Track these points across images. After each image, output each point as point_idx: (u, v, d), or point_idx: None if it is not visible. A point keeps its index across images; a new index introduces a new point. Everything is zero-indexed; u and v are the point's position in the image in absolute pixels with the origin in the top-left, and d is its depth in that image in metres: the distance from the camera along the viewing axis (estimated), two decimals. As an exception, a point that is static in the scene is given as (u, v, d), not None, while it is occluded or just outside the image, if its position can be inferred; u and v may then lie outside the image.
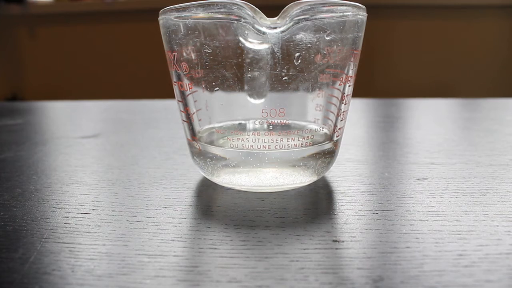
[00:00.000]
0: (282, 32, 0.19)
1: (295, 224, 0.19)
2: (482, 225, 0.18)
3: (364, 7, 0.21)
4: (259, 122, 0.21)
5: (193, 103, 0.22)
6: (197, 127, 0.23)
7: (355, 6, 0.20)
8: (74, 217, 0.20)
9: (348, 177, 0.24)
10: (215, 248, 0.17)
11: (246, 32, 0.19)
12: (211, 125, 0.23)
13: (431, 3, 1.28)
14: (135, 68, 1.38)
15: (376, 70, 1.33)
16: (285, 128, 0.21)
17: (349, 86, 0.22)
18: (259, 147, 0.20)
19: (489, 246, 0.16)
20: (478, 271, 0.15)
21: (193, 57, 0.20)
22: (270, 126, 0.21)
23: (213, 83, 0.21)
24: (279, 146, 0.20)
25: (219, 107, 0.22)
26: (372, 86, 1.30)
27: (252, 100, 0.21)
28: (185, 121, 0.23)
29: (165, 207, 0.21)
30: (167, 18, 0.20)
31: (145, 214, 0.20)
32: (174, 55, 0.21)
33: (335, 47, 0.20)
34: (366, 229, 0.18)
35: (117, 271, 0.15)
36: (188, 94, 0.22)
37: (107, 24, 1.37)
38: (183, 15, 0.20)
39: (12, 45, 1.43)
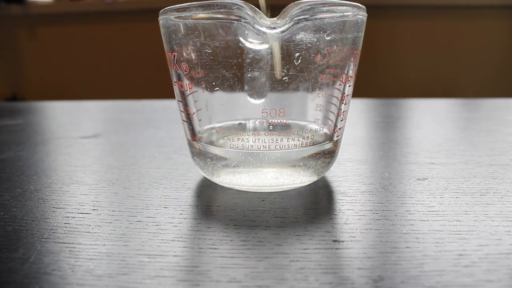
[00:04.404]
0: (282, 32, 0.19)
1: (295, 224, 0.19)
2: (482, 225, 0.18)
3: (364, 7, 0.21)
4: (259, 122, 0.21)
5: (193, 103, 0.22)
6: (197, 127, 0.23)
7: (355, 6, 0.20)
8: (74, 217, 0.20)
9: (348, 177, 0.24)
10: (215, 248, 0.17)
11: (246, 32, 0.19)
12: (211, 125, 0.23)
13: (431, 3, 1.28)
14: (135, 68, 1.38)
15: (376, 70, 1.33)
16: (285, 128, 0.21)
17: (349, 86, 0.22)
18: (259, 147, 0.20)
19: (489, 246, 0.16)
20: (478, 271, 0.15)
21: (193, 57, 0.20)
22: (270, 126, 0.21)
23: (213, 83, 0.21)
24: (279, 146, 0.20)
25: (219, 107, 0.22)
26: (372, 86, 1.30)
27: (252, 100, 0.21)
28: (185, 121, 0.23)
29: (165, 207, 0.21)
30: (167, 18, 0.20)
31: (145, 214, 0.20)
32: (174, 55, 0.21)
33: (335, 47, 0.20)
34: (366, 229, 0.18)
35: (117, 271, 0.15)
36: (188, 94, 0.22)
37: (107, 24, 1.37)
38: (183, 15, 0.20)
39: (12, 45, 1.43)
